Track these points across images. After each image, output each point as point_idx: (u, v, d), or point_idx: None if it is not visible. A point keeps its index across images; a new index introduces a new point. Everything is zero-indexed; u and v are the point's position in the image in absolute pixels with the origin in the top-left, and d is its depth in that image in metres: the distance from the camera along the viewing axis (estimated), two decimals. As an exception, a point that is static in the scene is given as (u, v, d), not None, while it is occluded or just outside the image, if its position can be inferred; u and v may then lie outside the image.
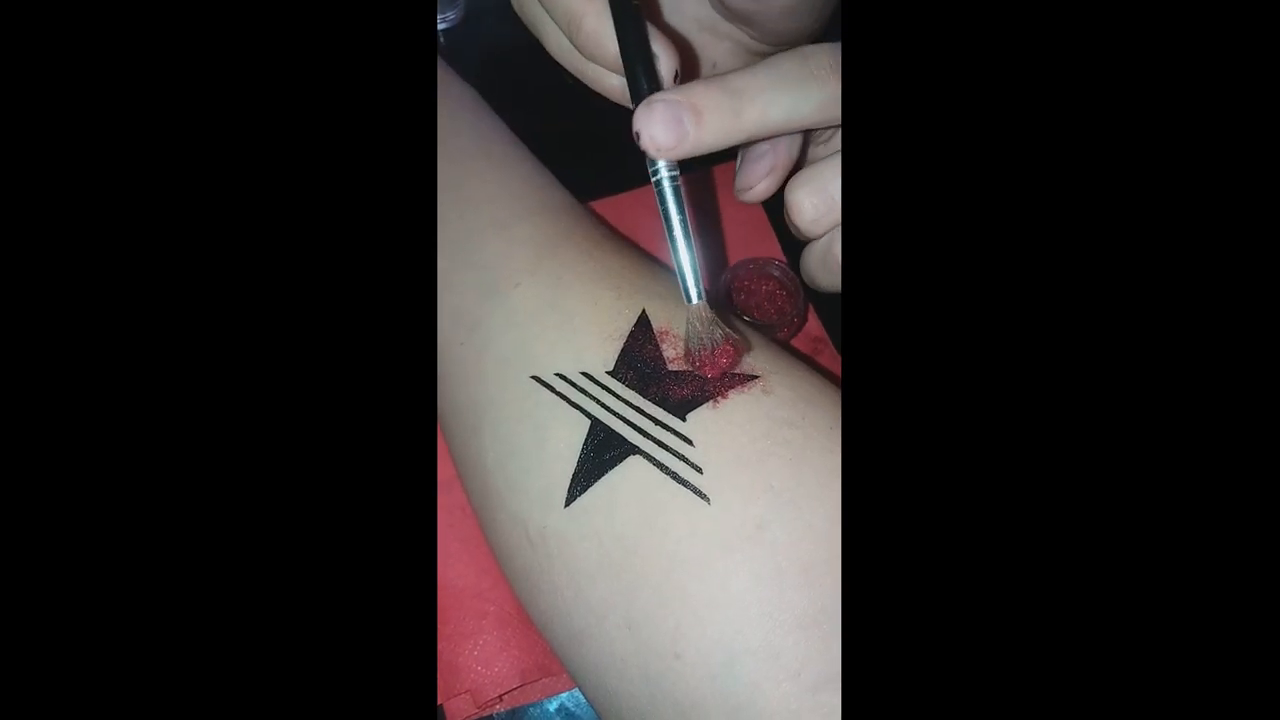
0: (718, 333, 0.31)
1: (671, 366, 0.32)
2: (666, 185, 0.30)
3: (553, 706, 0.41)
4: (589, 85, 0.33)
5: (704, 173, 0.52)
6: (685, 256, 0.30)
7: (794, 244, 0.51)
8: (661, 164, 0.30)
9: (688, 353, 0.32)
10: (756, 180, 0.34)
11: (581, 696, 0.41)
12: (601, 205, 0.51)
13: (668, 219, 0.30)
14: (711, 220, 0.52)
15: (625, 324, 0.33)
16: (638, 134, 0.29)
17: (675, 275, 0.31)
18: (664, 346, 0.33)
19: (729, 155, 0.54)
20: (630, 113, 0.30)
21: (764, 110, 0.29)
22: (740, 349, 0.32)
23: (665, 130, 0.28)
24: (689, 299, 0.31)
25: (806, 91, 0.29)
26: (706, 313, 0.31)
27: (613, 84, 0.32)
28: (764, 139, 0.32)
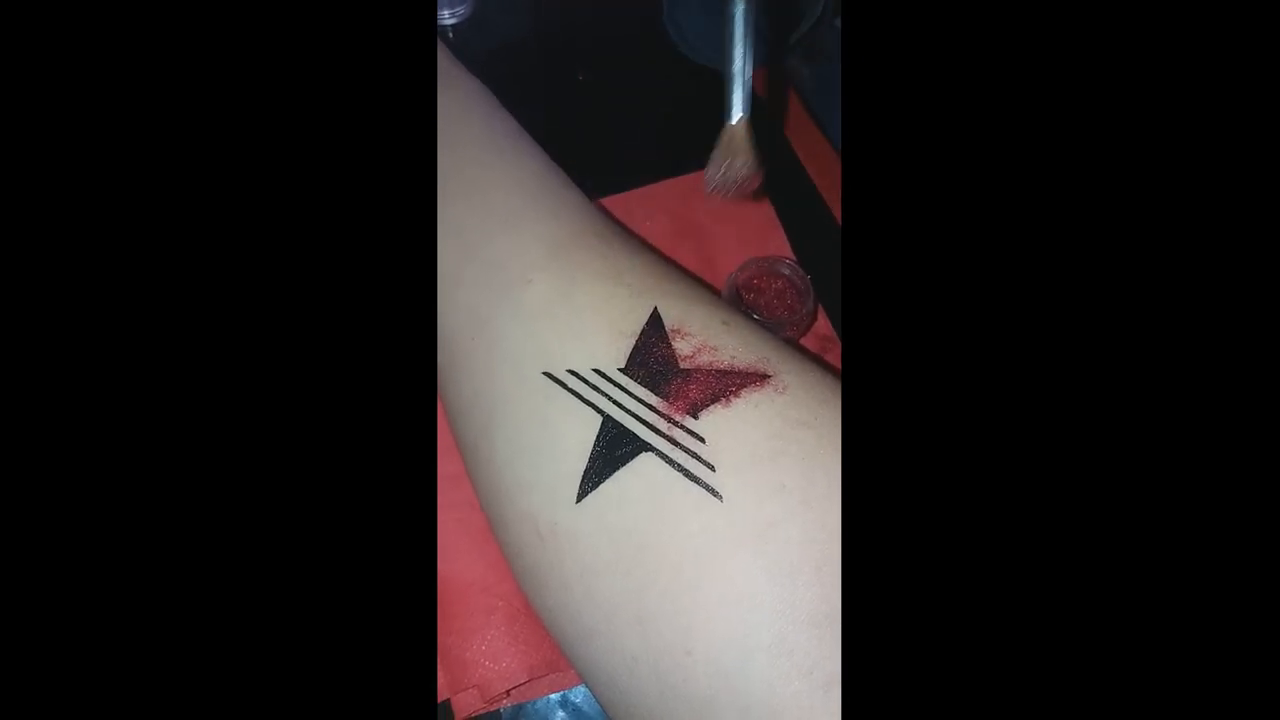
0: (751, 156, 0.29)
1: (684, 364, 0.32)
2: None
3: (560, 702, 0.41)
4: None
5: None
6: (738, 64, 0.27)
7: (804, 242, 0.51)
8: None
9: (712, 171, 0.29)
10: None
11: (589, 693, 0.41)
12: (611, 202, 0.51)
13: (732, 19, 0.27)
14: (721, 219, 0.52)
15: (638, 321, 0.33)
16: None
17: (687, 273, 0.30)
18: (676, 344, 0.33)
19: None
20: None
21: None
22: (759, 180, 0.30)
23: None
24: (731, 115, 0.28)
25: None
26: (746, 133, 0.28)
27: None
28: None
